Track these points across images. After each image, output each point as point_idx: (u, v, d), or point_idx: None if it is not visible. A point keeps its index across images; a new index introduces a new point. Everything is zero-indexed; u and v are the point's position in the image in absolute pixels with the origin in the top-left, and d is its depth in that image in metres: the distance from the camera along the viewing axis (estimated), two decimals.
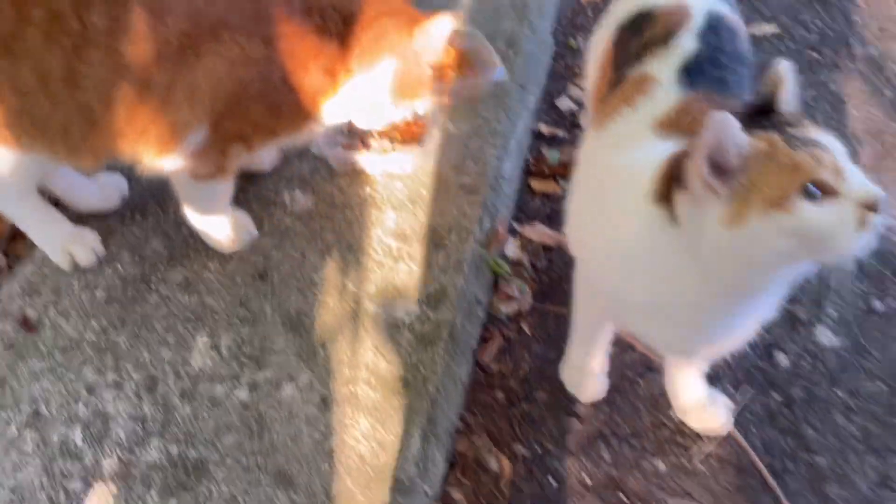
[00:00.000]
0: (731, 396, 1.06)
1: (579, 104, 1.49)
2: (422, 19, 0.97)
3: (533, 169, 1.38)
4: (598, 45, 1.08)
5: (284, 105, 0.99)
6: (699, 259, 0.71)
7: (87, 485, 0.88)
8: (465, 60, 1.24)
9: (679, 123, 0.80)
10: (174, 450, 0.91)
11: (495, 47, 1.25)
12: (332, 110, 1.01)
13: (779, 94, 0.72)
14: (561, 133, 1.45)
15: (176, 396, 0.95)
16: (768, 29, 1.67)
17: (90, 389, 0.96)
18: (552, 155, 1.39)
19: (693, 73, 0.86)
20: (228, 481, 0.88)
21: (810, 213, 0.64)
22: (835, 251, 0.66)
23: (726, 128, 0.65)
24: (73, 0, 0.86)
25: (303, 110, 1.00)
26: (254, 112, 0.97)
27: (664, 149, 0.76)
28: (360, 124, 1.08)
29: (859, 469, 1.01)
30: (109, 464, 0.90)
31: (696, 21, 0.91)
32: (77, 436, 0.92)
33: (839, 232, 0.65)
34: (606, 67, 0.98)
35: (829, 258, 0.68)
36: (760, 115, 0.72)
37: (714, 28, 0.91)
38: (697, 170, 0.66)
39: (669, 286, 0.76)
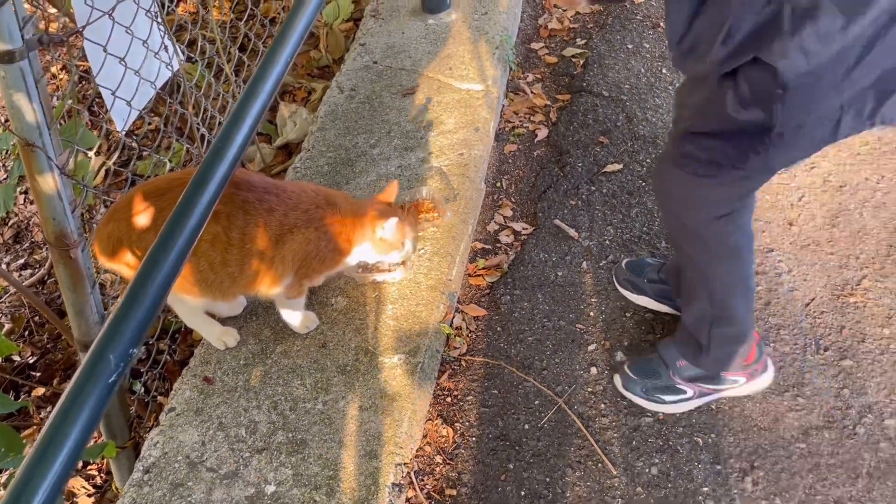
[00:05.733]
0: None
1: (500, 226, 2.48)
2: (384, 219, 1.92)
3: (469, 270, 2.35)
4: None
5: (328, 258, 1.95)
6: None
7: (254, 452, 1.84)
8: (431, 209, 2.27)
9: None
10: (288, 436, 1.86)
11: (445, 198, 2.25)
12: (352, 258, 1.99)
13: None
14: (489, 247, 2.42)
15: (287, 410, 1.91)
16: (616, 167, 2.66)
17: (245, 409, 1.92)
18: (481, 262, 2.36)
19: None
20: (320, 449, 1.83)
21: None
22: None
23: None
24: (224, 226, 1.82)
25: (337, 259, 1.98)
26: (313, 264, 1.93)
27: None
28: (369, 261, 2.05)
29: None
30: (254, 440, 1.86)
31: None
32: (242, 431, 1.88)
33: None
34: None
35: None
36: None
37: None
38: None
39: None
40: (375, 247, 1.96)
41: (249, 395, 1.94)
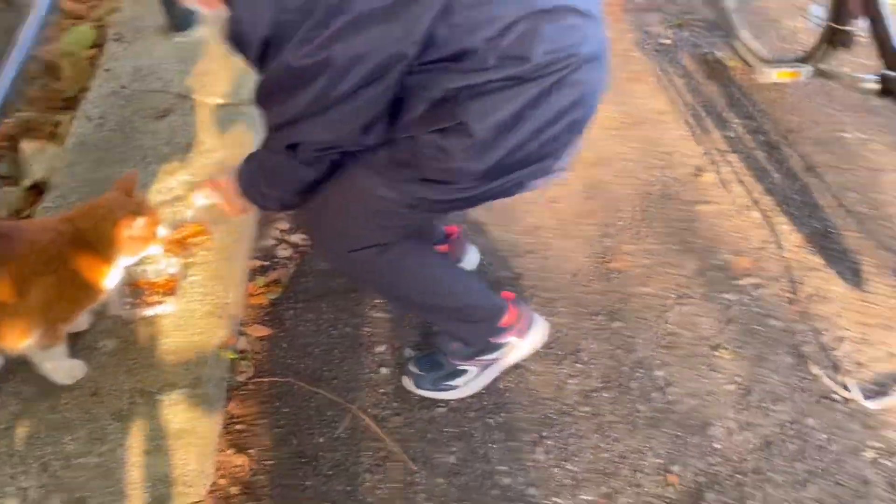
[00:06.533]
0: None
1: (277, 241, 2.42)
2: (131, 219, 1.80)
3: (250, 290, 2.27)
4: None
5: (79, 296, 1.81)
6: None
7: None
8: (199, 232, 2.17)
9: None
10: (64, 497, 1.71)
11: (213, 220, 2.17)
12: (111, 281, 1.84)
13: None
14: (267, 263, 2.36)
15: (60, 469, 1.75)
16: None
17: (12, 477, 1.74)
18: (260, 280, 2.30)
19: None
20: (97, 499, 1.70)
21: None
22: None
23: None
24: None
25: (91, 294, 1.83)
26: (63, 306, 1.78)
27: None
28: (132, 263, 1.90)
29: None
30: (39, 493, 1.70)
31: None
32: (10, 502, 1.71)
33: None
34: None
35: None
36: None
37: None
38: None
39: None
40: (129, 249, 1.83)
41: (15, 460, 1.77)
